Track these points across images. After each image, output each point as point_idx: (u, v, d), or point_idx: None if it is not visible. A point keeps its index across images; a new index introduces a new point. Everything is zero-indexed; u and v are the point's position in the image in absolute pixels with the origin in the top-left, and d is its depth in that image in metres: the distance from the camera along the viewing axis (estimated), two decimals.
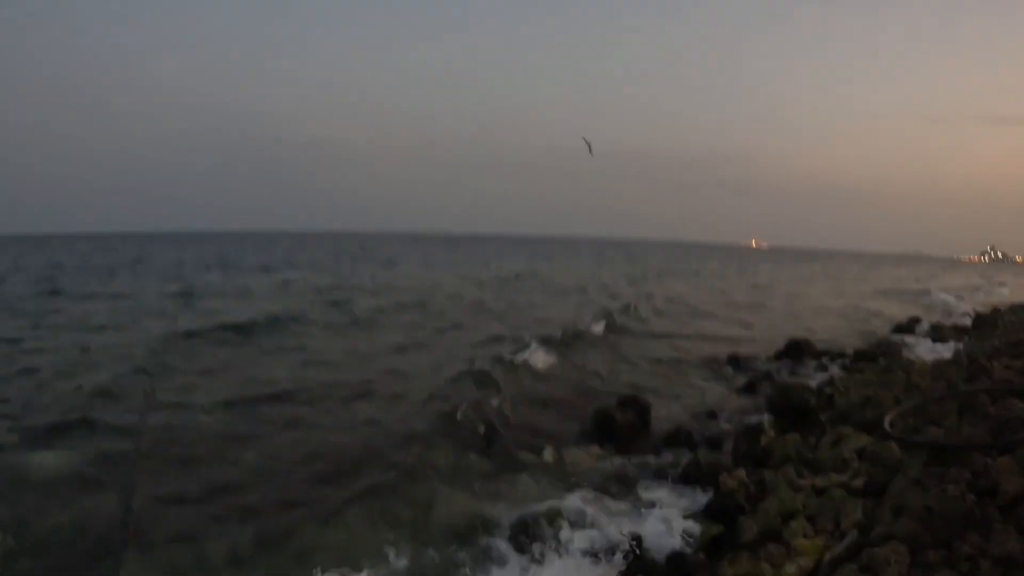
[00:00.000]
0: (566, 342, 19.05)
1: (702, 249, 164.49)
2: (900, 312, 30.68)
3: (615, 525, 7.53)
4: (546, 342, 18.10)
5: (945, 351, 17.81)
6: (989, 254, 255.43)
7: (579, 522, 7.58)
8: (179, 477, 8.70)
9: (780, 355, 18.52)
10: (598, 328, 21.98)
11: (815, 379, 14.88)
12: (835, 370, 16.06)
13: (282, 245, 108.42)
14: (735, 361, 17.68)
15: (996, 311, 27.54)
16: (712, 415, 12.61)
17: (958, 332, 22.62)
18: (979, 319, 25.65)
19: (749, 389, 14.54)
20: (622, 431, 11.29)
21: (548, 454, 10.13)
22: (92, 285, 34.39)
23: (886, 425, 8.37)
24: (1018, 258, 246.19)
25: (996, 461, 6.35)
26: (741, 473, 8.44)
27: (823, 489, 7.40)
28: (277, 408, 12.01)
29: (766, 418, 11.60)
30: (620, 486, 8.90)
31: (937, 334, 22.10)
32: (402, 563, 6.76)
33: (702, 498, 8.29)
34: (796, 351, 18.55)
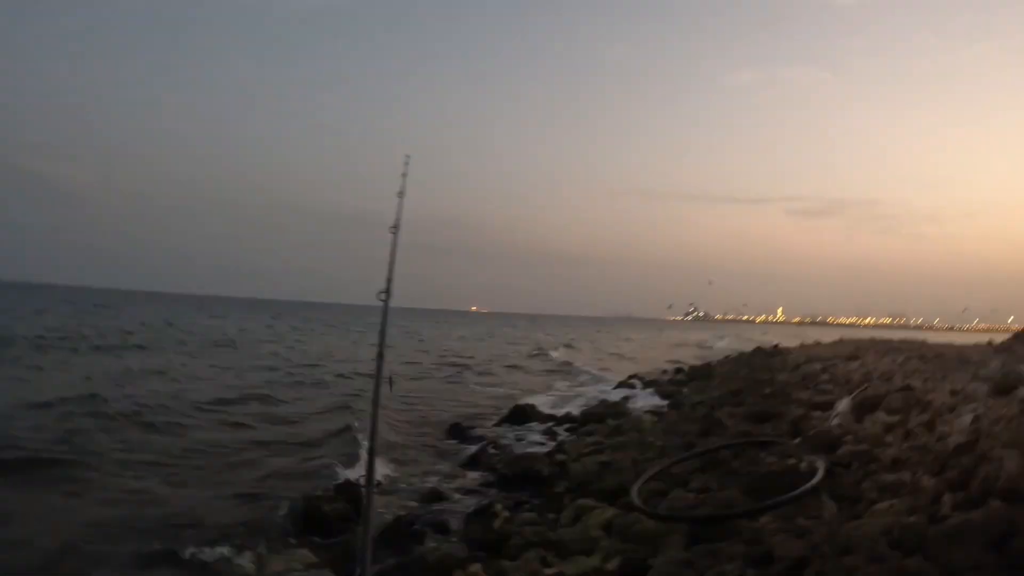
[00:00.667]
0: None
1: (424, 315, 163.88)
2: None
3: None
4: None
5: (666, 405, 17.67)
6: (692, 314, 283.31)
7: None
8: None
9: (503, 421, 17.47)
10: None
11: (545, 446, 13.88)
12: (564, 435, 15.18)
13: None
14: (457, 430, 16.33)
15: (708, 364, 28.68)
16: (436, 496, 11.03)
17: (676, 385, 22.90)
18: (694, 371, 26.37)
19: (474, 462, 13.21)
20: (333, 524, 9.47)
21: (246, 558, 8.15)
22: None
23: (634, 497, 7.35)
24: (718, 316, 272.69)
25: (761, 524, 5.73)
26: (476, 568, 7.07)
27: None
28: None
29: (497, 495, 10.38)
30: None
31: (656, 388, 22.16)
32: None
33: None
34: (521, 416, 17.63)
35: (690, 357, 42.93)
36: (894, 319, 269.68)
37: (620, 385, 23.36)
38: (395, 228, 5.10)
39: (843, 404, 11.45)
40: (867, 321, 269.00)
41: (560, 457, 11.83)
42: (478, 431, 16.25)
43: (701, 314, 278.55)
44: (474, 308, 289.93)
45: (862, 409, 10.13)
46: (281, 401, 19.31)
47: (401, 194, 5.35)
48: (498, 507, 9.05)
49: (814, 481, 6.46)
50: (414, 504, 10.62)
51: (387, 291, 4.72)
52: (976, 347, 16.16)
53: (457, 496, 10.85)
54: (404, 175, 5.52)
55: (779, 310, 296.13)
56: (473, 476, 12.21)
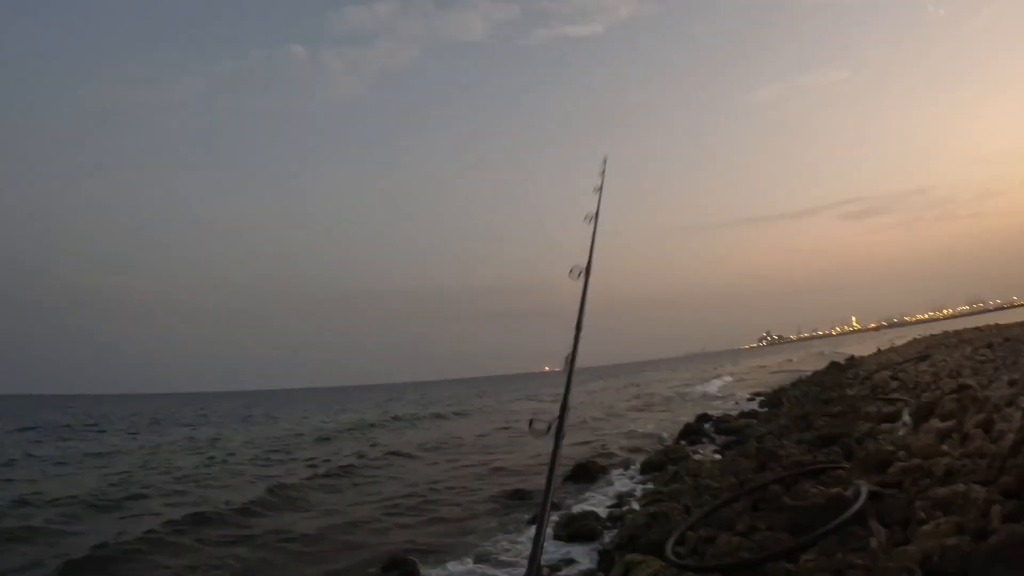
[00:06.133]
0: None
1: (507, 380, 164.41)
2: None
3: None
4: None
5: (731, 442, 17.16)
6: (766, 339, 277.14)
7: None
8: None
9: (567, 479, 17.04)
10: None
11: (608, 501, 13.55)
12: (628, 487, 14.81)
13: None
14: (520, 494, 15.97)
15: (781, 389, 28.02)
16: (493, 561, 10.78)
17: (746, 417, 22.31)
18: (765, 400, 25.73)
19: (533, 523, 12.88)
20: None
21: None
22: None
23: (668, 550, 7.02)
24: (793, 336, 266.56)
25: (800, 565, 5.50)
26: None
27: None
28: None
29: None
30: None
31: (722, 425, 21.58)
32: None
33: None
34: (585, 473, 17.21)
35: (760, 385, 41.88)
36: (972, 305, 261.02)
37: (687, 427, 22.69)
38: (595, 218, 5.40)
39: (906, 414, 10.95)
40: (945, 312, 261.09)
41: (618, 511, 11.61)
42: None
43: (775, 337, 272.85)
44: (547, 368, 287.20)
45: (921, 416, 9.65)
46: None
47: (599, 190, 5.73)
48: (545, 570, 8.82)
49: (854, 509, 6.05)
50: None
51: (578, 324, 4.48)
52: None
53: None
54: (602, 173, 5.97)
55: (852, 319, 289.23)
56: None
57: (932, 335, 34.79)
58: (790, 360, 75.19)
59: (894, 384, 16.92)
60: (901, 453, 7.90)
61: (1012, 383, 8.66)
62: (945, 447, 7.64)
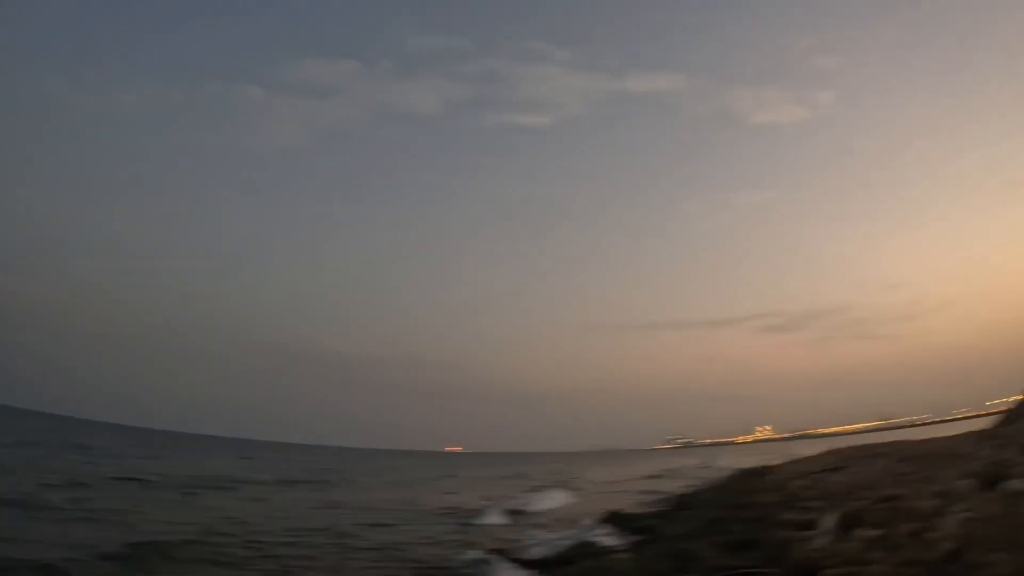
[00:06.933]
0: None
1: (401, 455, 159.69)
2: None
3: None
4: None
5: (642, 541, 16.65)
6: (676, 441, 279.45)
7: None
8: None
9: None
10: None
11: None
12: None
13: None
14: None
15: (689, 493, 27.84)
16: None
17: (655, 519, 21.89)
18: (674, 501, 25.43)
19: None
20: None
21: None
22: None
23: None
24: (704, 441, 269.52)
25: None
26: None
27: None
28: None
29: None
30: None
31: (628, 524, 21.07)
32: None
33: None
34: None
35: (670, 486, 41.54)
36: (883, 420, 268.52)
37: (597, 523, 22.21)
38: None
39: (827, 521, 10.71)
40: (857, 427, 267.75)
41: None
42: None
43: (686, 441, 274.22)
44: (452, 447, 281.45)
45: (847, 524, 9.42)
46: None
47: None
48: None
49: None
50: None
51: None
52: (962, 436, 15.67)
53: None
54: None
55: (766, 428, 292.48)
56: None
57: (846, 447, 35.25)
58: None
59: (809, 493, 16.82)
60: (831, 560, 7.60)
61: (939, 494, 8.53)
62: (876, 555, 7.38)
